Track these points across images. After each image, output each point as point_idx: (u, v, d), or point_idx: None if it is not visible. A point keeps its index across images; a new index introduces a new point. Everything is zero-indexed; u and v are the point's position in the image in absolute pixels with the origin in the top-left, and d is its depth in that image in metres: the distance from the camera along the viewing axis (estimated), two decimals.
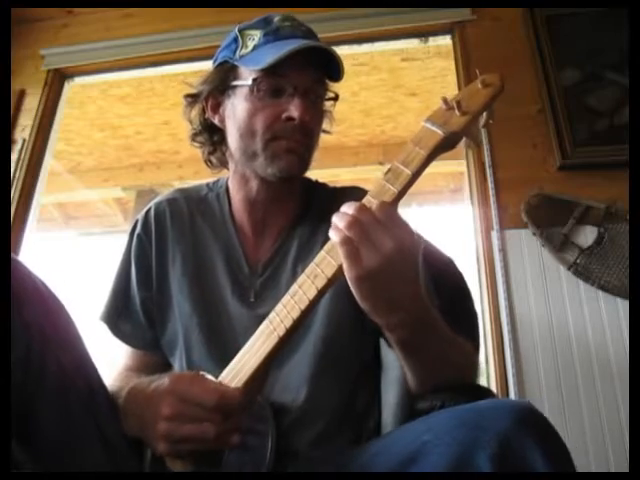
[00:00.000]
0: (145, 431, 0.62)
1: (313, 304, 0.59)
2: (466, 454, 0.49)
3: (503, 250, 1.64)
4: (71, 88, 2.32)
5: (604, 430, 1.41)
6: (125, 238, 0.92)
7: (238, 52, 0.81)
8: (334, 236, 0.57)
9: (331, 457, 0.70)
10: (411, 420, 0.64)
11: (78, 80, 2.31)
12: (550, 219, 1.63)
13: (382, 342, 0.88)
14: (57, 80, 2.22)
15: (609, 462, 1.37)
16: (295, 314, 0.59)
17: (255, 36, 0.81)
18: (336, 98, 0.85)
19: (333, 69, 0.80)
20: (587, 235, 1.62)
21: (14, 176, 1.99)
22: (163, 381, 0.62)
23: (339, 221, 0.57)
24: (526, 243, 1.64)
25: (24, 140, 2.05)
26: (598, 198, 1.63)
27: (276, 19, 0.81)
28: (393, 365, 0.86)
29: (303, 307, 0.59)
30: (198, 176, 3.36)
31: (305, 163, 0.83)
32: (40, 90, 2.17)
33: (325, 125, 0.90)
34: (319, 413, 0.76)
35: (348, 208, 0.58)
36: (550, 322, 1.54)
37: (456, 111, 0.59)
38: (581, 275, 1.57)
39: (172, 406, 0.59)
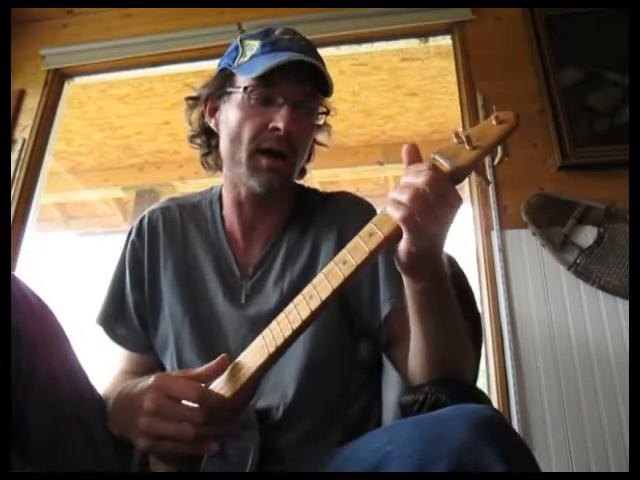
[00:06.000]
0: (128, 427, 0.63)
1: (306, 324, 0.60)
2: (425, 466, 0.49)
3: (503, 250, 1.64)
4: (71, 88, 2.32)
5: (604, 430, 1.41)
6: (124, 239, 0.94)
7: (237, 60, 0.84)
8: (395, 211, 0.56)
9: (314, 457, 0.71)
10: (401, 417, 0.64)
11: (78, 80, 2.31)
12: (550, 219, 1.63)
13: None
14: (57, 80, 2.22)
15: (609, 462, 1.37)
16: (287, 333, 0.60)
17: (254, 46, 0.83)
18: (327, 112, 0.87)
19: (324, 85, 0.81)
20: (587, 235, 1.62)
21: (14, 176, 1.99)
22: (149, 379, 0.63)
23: (400, 195, 0.57)
24: (526, 243, 1.64)
25: (24, 140, 2.05)
26: (598, 198, 1.63)
27: (277, 31, 0.84)
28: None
29: (295, 327, 0.59)
30: (198, 176, 3.36)
31: (286, 178, 0.85)
32: (40, 90, 2.17)
33: (322, 138, 0.92)
34: (307, 412, 0.77)
35: (408, 177, 0.57)
36: (550, 322, 1.54)
37: (466, 145, 0.59)
38: (581, 275, 1.57)
39: (154, 401, 0.60)
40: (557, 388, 1.46)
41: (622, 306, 1.52)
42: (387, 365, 0.90)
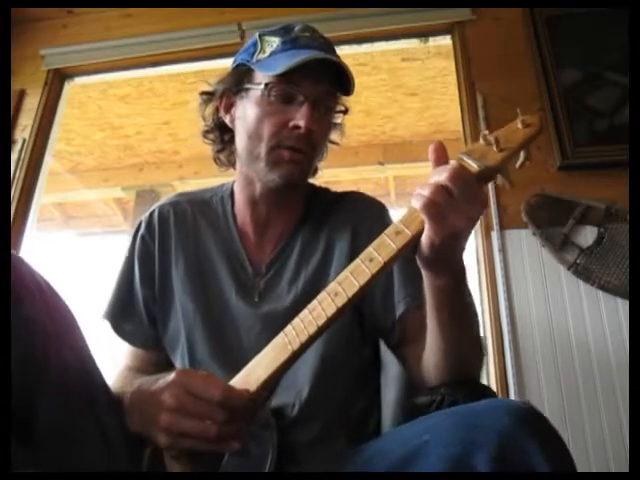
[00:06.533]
0: (147, 423, 0.61)
1: (331, 322, 0.59)
2: (465, 455, 0.49)
3: (503, 250, 1.64)
4: (71, 88, 2.32)
5: (604, 430, 1.41)
6: (126, 238, 0.94)
7: (255, 56, 0.83)
8: (417, 202, 0.57)
9: (329, 457, 0.71)
10: (410, 418, 0.64)
11: (78, 80, 2.31)
12: (550, 219, 1.63)
13: (381, 342, 0.89)
14: (57, 80, 2.23)
15: (609, 462, 1.37)
16: (312, 330, 0.59)
17: (274, 42, 0.82)
18: (345, 111, 0.87)
19: (345, 83, 0.82)
20: (587, 235, 1.62)
21: (14, 176, 1.99)
22: (170, 375, 0.62)
23: (422, 189, 0.57)
24: (526, 243, 1.64)
25: (24, 140, 2.05)
26: (598, 198, 1.63)
27: (296, 28, 0.83)
28: (392, 364, 0.87)
29: (320, 324, 0.59)
30: (198, 176, 3.36)
31: (305, 173, 0.85)
32: (40, 90, 2.16)
33: (335, 137, 0.92)
34: (320, 412, 0.77)
35: (432, 178, 0.58)
36: (550, 322, 1.54)
37: (494, 147, 0.60)
38: (581, 275, 1.57)
39: (176, 397, 0.59)
40: (557, 388, 1.46)
41: (622, 306, 1.52)
42: (386, 364, 0.90)
